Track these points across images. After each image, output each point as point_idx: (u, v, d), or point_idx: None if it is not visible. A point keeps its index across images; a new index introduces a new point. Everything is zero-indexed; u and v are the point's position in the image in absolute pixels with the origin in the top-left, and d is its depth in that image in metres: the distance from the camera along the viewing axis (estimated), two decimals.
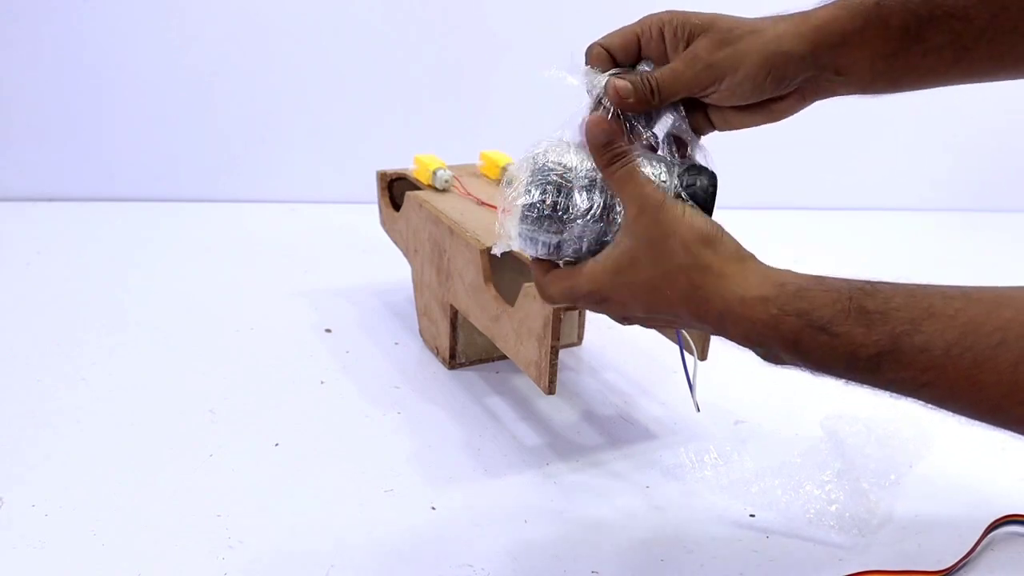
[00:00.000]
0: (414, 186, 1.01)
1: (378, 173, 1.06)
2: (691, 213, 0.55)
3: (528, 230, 0.57)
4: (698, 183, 0.57)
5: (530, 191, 0.57)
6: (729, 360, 0.90)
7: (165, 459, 0.77)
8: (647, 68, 0.61)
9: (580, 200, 0.57)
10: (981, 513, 0.72)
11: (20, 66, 1.37)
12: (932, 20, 0.59)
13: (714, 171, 0.58)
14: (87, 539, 0.67)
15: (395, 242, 1.04)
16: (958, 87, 0.63)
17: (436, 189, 0.98)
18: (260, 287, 1.13)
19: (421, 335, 1.00)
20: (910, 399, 0.51)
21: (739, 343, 0.55)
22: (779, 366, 0.55)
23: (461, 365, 0.94)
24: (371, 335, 1.02)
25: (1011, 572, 0.68)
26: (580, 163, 0.58)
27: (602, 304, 0.58)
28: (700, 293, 0.54)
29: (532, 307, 0.75)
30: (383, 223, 1.07)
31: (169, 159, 1.45)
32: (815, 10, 0.59)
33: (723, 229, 0.56)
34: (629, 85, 0.59)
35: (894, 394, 0.52)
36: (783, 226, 1.45)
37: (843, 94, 0.61)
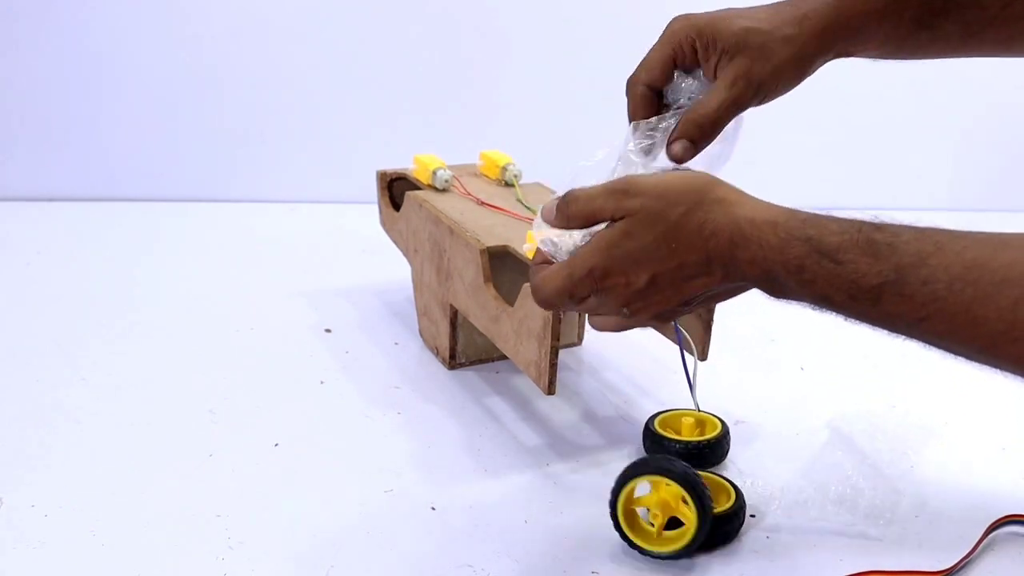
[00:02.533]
0: (414, 186, 1.01)
1: (378, 173, 1.06)
2: (669, 174, 0.57)
3: None
4: None
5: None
6: (729, 360, 0.90)
7: (165, 459, 0.77)
8: (689, 82, 0.64)
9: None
10: (982, 513, 0.72)
11: (20, 66, 1.37)
12: (945, 11, 0.63)
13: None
14: (87, 539, 0.67)
15: (395, 242, 1.04)
16: (962, 84, 0.65)
17: (436, 189, 0.98)
18: (260, 287, 1.13)
19: (421, 335, 1.00)
20: (905, 335, 0.52)
21: (745, 274, 0.55)
22: (783, 300, 0.56)
23: (461, 365, 0.94)
24: (371, 335, 1.02)
25: (1012, 572, 0.67)
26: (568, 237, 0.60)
27: (604, 281, 0.57)
28: (709, 226, 0.55)
29: (532, 307, 0.75)
30: (383, 223, 1.06)
31: (169, 159, 1.45)
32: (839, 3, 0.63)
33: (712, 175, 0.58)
34: (690, 146, 0.62)
35: (889, 330, 0.52)
36: None
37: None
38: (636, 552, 0.67)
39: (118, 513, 0.70)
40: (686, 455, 0.77)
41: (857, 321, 0.54)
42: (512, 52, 1.46)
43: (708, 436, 0.79)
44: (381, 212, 1.06)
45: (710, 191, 0.56)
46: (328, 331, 1.02)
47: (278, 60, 1.42)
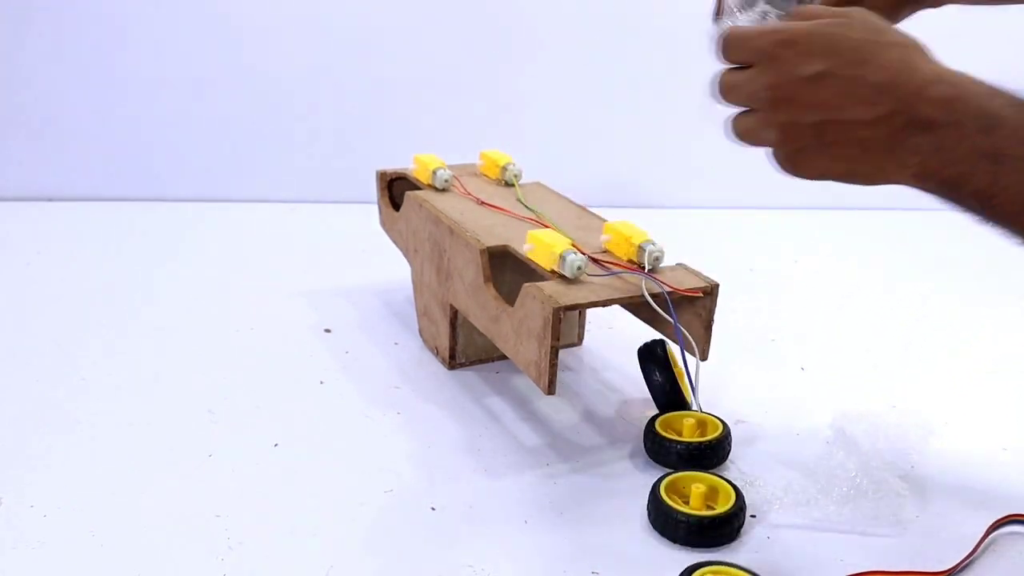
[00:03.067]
0: (414, 186, 1.01)
1: (378, 173, 1.06)
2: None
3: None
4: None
5: None
6: (730, 360, 0.90)
7: (165, 459, 0.77)
8: None
9: None
10: (983, 513, 0.72)
11: (20, 66, 1.37)
12: None
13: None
14: (86, 539, 0.67)
15: (395, 242, 1.04)
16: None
17: (436, 189, 0.98)
18: (260, 287, 1.13)
19: (421, 335, 1.00)
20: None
21: (919, 114, 0.54)
22: (915, 172, 0.56)
23: (461, 365, 0.94)
24: (371, 335, 1.01)
25: (1013, 573, 0.67)
26: None
27: (782, 48, 0.56)
28: (909, 60, 0.55)
29: (532, 307, 0.75)
30: (383, 223, 1.06)
31: (169, 159, 1.45)
32: None
33: None
34: None
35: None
36: (789, 226, 1.45)
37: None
38: (636, 552, 0.67)
39: (118, 513, 0.70)
40: (687, 456, 0.77)
41: (1004, 192, 0.53)
42: (512, 52, 1.46)
43: (709, 437, 0.79)
44: (381, 212, 1.06)
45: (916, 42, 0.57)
46: (328, 331, 1.02)
47: (278, 60, 1.42)
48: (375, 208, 1.07)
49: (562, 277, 0.77)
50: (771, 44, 0.57)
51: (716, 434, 0.79)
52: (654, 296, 0.76)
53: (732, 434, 0.80)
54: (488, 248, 0.83)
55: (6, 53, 1.36)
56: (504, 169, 1.02)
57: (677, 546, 0.68)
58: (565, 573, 0.66)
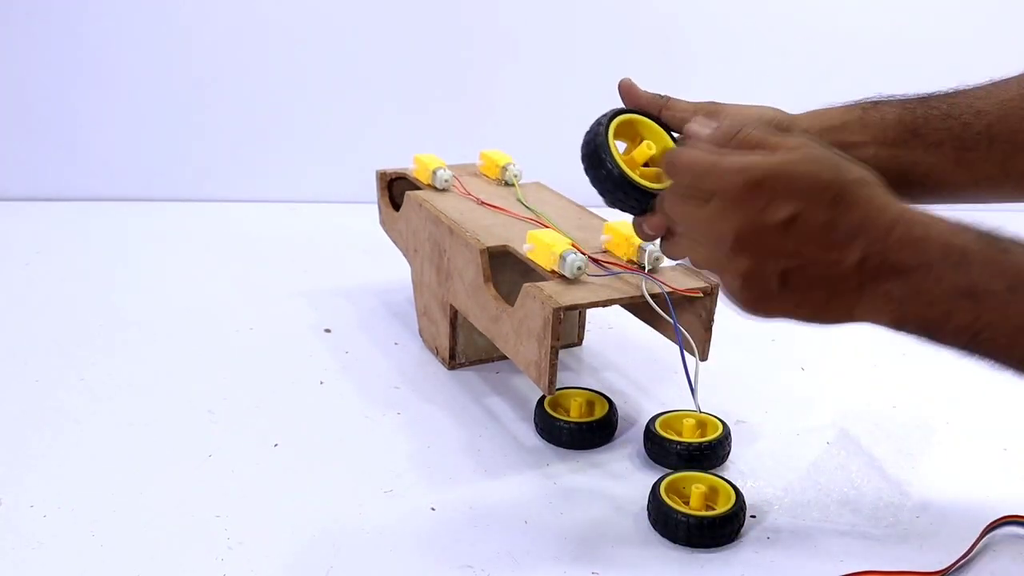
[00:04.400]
0: (414, 186, 1.01)
1: (378, 173, 1.06)
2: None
3: None
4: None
5: None
6: (730, 360, 0.90)
7: (165, 459, 0.77)
8: None
9: None
10: (983, 514, 0.72)
11: (20, 66, 1.37)
12: (927, 119, 0.64)
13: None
14: (86, 539, 0.67)
15: (395, 242, 1.04)
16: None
17: (436, 189, 0.98)
18: (260, 287, 1.13)
19: (421, 335, 1.00)
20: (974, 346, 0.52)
21: (888, 258, 0.51)
22: (891, 315, 0.53)
23: (461, 365, 0.94)
24: (371, 335, 1.01)
25: (1011, 573, 0.67)
26: None
27: (749, 190, 0.51)
28: (877, 201, 0.52)
29: (532, 307, 0.75)
30: (383, 223, 1.06)
31: (169, 159, 1.45)
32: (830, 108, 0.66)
33: None
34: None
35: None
36: None
37: None
38: (636, 552, 0.67)
39: (118, 513, 0.70)
40: (687, 456, 0.77)
41: (988, 327, 0.51)
42: (512, 52, 1.46)
43: (709, 437, 0.79)
44: (381, 212, 1.06)
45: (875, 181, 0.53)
46: (328, 331, 1.02)
47: (278, 60, 1.42)
48: (375, 208, 1.07)
49: (562, 277, 0.77)
50: (735, 186, 0.52)
51: (716, 434, 0.79)
52: (654, 296, 0.76)
53: (732, 434, 0.80)
54: (488, 248, 0.83)
55: (6, 53, 1.36)
56: (504, 169, 1.02)
57: (677, 546, 0.68)
58: (565, 573, 0.66)
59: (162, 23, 1.38)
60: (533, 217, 0.92)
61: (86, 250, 1.23)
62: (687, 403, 0.78)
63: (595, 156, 0.65)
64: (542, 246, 0.79)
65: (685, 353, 0.77)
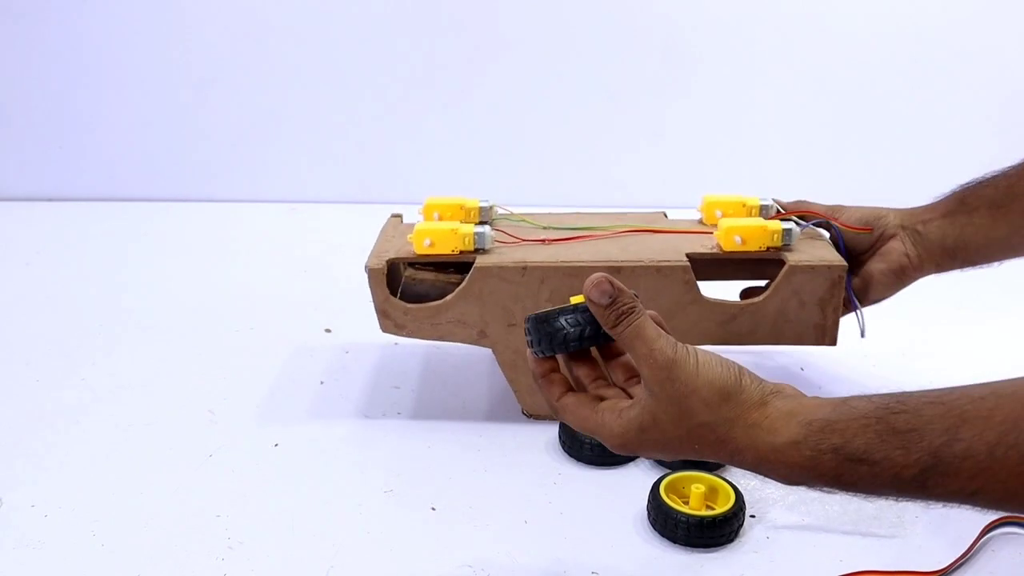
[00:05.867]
0: (393, 274, 0.80)
1: (368, 269, 0.78)
2: (705, 366, 0.55)
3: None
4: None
5: None
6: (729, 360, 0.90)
7: (165, 459, 0.77)
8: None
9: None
10: (979, 513, 0.72)
11: (20, 66, 1.37)
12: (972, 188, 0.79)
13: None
14: (87, 539, 0.67)
15: (441, 338, 0.81)
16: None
17: (479, 251, 0.79)
18: (260, 287, 1.13)
19: (525, 412, 0.86)
20: (966, 506, 0.50)
21: (781, 482, 0.54)
22: (828, 492, 0.54)
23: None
24: (371, 335, 1.01)
25: (1008, 573, 0.67)
26: None
27: (622, 448, 0.57)
28: (730, 446, 0.54)
29: (803, 281, 0.79)
30: (389, 327, 0.81)
31: (169, 159, 1.45)
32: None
33: (742, 372, 0.56)
34: None
35: (948, 505, 0.51)
36: None
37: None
38: (636, 552, 0.67)
39: (118, 513, 0.70)
40: (691, 459, 0.76)
41: (916, 502, 0.52)
42: (512, 51, 1.46)
43: None
44: (387, 317, 0.80)
45: (723, 409, 0.54)
46: (328, 331, 1.02)
47: (278, 61, 1.42)
48: (375, 208, 1.06)
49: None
50: (613, 444, 0.56)
51: None
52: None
53: None
54: (690, 255, 0.80)
55: (6, 53, 1.36)
56: (481, 211, 0.85)
57: (677, 546, 0.68)
58: (565, 573, 0.66)
59: (162, 23, 1.38)
60: (602, 232, 0.85)
61: (86, 250, 1.23)
62: None
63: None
64: (748, 230, 0.80)
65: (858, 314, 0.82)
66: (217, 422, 0.83)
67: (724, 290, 0.84)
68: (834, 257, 0.81)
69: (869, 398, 0.52)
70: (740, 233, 0.80)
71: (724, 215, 0.86)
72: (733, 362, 0.56)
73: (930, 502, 0.51)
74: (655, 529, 0.70)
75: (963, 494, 0.49)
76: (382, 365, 0.95)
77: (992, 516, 0.71)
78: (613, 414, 0.56)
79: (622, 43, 1.46)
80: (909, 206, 0.83)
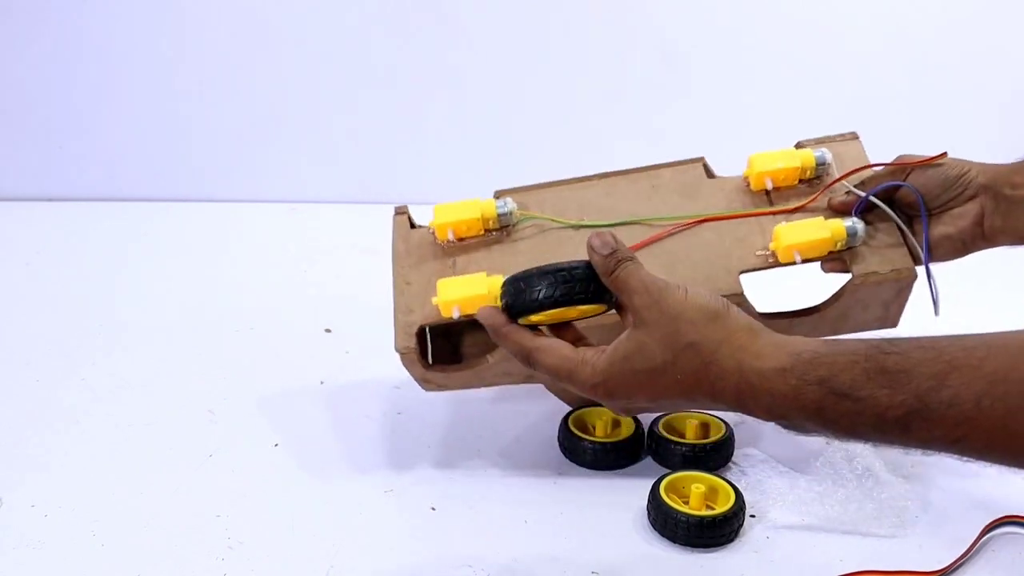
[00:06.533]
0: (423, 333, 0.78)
1: (401, 353, 0.76)
2: (694, 293, 0.55)
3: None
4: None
5: None
6: None
7: (165, 459, 0.77)
8: None
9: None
10: (984, 514, 0.72)
11: (20, 66, 1.37)
12: None
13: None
14: (87, 539, 0.67)
15: (488, 386, 0.80)
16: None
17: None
18: (260, 287, 1.13)
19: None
20: (945, 454, 0.50)
21: (759, 417, 0.53)
22: (803, 434, 0.54)
23: None
24: (371, 335, 1.01)
25: (1008, 573, 0.67)
26: None
27: (606, 397, 0.57)
28: (714, 369, 0.53)
29: (872, 290, 0.74)
30: (438, 388, 0.78)
31: (169, 159, 1.45)
32: None
33: (730, 304, 0.56)
34: None
35: (927, 451, 0.50)
36: None
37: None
38: (636, 552, 0.67)
39: (118, 513, 0.70)
40: (691, 457, 0.77)
41: (892, 447, 0.52)
42: (511, 52, 1.46)
43: (712, 438, 0.79)
44: (428, 382, 0.77)
45: (712, 328, 0.54)
46: (328, 331, 1.02)
47: (278, 60, 1.42)
48: (375, 208, 1.04)
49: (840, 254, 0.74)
50: (596, 392, 0.57)
51: (719, 435, 0.79)
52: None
53: (735, 435, 0.80)
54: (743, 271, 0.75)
55: (6, 53, 1.36)
56: (500, 217, 0.79)
57: (677, 546, 0.68)
58: (565, 573, 0.66)
59: (162, 23, 1.38)
60: (650, 228, 0.79)
61: (86, 250, 1.23)
62: None
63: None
64: (809, 246, 0.74)
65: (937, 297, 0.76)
66: (217, 422, 0.83)
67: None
68: (903, 261, 0.74)
69: (860, 339, 0.51)
70: (799, 249, 0.74)
71: (775, 184, 0.79)
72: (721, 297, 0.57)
73: (908, 447, 0.50)
74: (655, 529, 0.70)
75: (945, 441, 0.48)
76: (382, 365, 0.95)
77: (992, 516, 0.71)
78: (595, 351, 0.57)
79: (622, 43, 1.45)
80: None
